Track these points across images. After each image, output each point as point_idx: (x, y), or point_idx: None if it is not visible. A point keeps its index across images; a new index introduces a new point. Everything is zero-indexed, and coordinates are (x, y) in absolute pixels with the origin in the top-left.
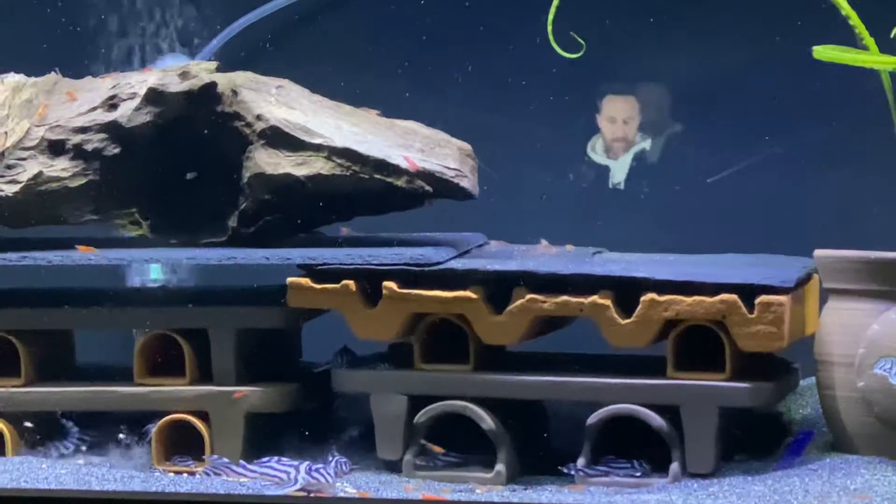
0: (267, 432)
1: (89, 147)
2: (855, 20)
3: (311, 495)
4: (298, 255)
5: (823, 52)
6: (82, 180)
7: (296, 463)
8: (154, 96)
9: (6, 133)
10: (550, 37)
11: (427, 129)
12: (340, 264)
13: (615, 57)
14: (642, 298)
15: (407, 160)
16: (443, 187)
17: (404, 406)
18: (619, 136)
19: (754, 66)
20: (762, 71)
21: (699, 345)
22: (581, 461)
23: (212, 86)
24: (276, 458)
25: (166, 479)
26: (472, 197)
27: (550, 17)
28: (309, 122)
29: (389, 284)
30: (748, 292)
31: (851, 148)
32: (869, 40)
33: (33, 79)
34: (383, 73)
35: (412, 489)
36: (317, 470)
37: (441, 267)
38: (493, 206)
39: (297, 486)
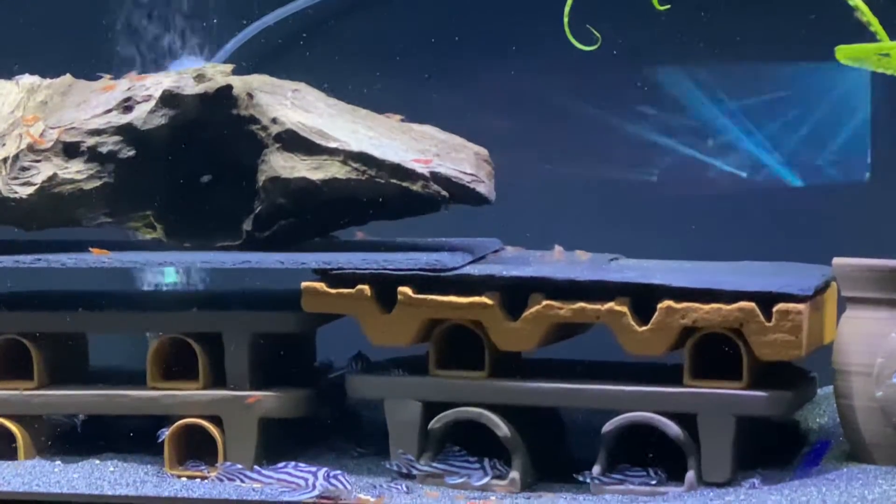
0: (281, 437)
1: (104, 149)
2: (876, 26)
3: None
4: (313, 259)
5: (846, 52)
6: (97, 183)
7: (313, 469)
8: (169, 99)
9: (21, 135)
10: (566, 29)
11: (443, 134)
12: (356, 269)
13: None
14: (659, 306)
15: (418, 161)
16: (459, 192)
17: (419, 412)
18: None
19: (771, 69)
20: (778, 75)
21: (716, 353)
22: (596, 469)
23: (227, 89)
24: (292, 463)
25: (179, 484)
26: (488, 202)
27: (567, 8)
28: (325, 125)
29: (405, 290)
30: (766, 300)
31: (871, 154)
32: (890, 46)
33: (48, 80)
34: (401, 76)
35: (437, 496)
36: (335, 476)
37: (456, 272)
38: (508, 211)
39: (316, 493)
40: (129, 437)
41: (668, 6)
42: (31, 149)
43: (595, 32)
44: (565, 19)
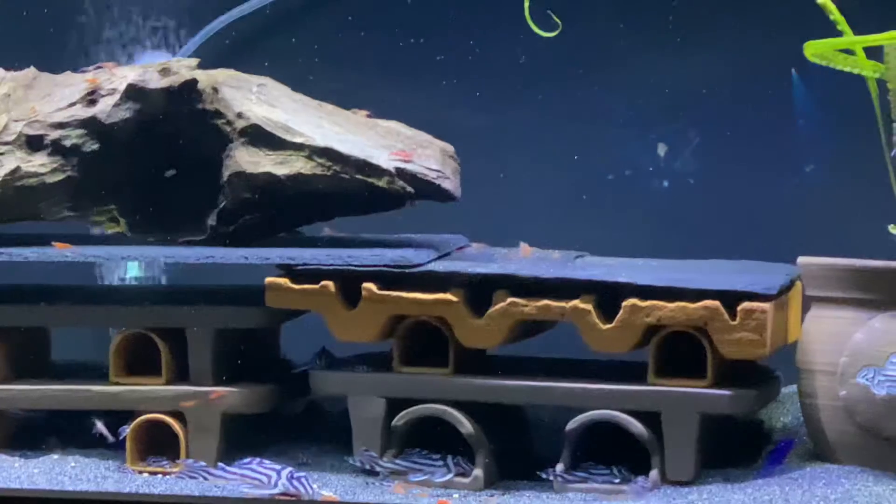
0: (244, 433)
1: (68, 143)
2: (843, 25)
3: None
4: (277, 254)
5: (815, 47)
6: (60, 176)
7: (278, 467)
8: (134, 92)
9: None
10: (527, 14)
11: (409, 130)
12: (320, 265)
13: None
14: (624, 303)
15: (396, 154)
16: (424, 188)
17: (382, 409)
18: None
19: (740, 69)
20: (748, 74)
21: (681, 351)
22: (560, 467)
23: (192, 83)
24: (256, 459)
25: (140, 480)
26: (453, 198)
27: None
28: (290, 120)
29: (369, 286)
30: (731, 299)
31: (837, 154)
32: (857, 41)
33: (12, 73)
34: (366, 71)
35: (403, 490)
36: (298, 479)
37: (421, 269)
38: (473, 208)
39: (278, 491)
40: (91, 431)
41: (557, 31)
42: None
43: (555, 18)
44: (525, 3)
